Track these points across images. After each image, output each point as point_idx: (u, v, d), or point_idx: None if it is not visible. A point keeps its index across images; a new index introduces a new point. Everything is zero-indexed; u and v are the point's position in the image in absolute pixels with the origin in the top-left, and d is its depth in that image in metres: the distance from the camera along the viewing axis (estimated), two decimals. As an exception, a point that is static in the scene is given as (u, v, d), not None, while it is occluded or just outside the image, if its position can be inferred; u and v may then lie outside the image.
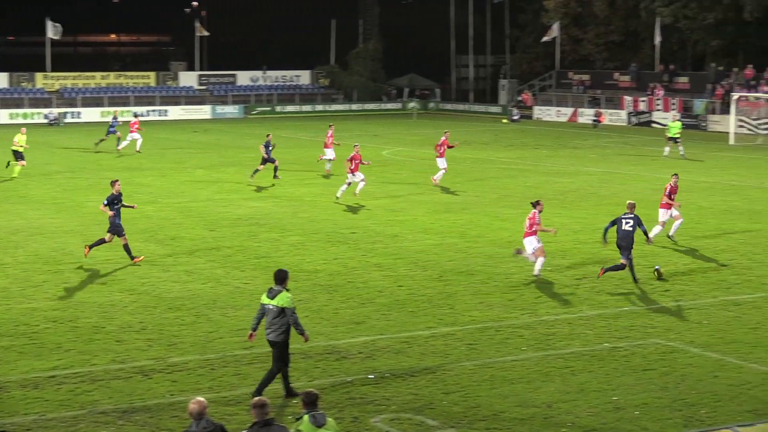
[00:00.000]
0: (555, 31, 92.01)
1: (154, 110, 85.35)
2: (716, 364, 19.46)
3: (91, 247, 28.08)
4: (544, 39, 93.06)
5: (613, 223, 26.13)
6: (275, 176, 44.03)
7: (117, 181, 28.48)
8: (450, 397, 17.88)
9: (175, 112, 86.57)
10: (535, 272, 26.29)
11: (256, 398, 13.05)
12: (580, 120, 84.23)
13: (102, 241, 28.03)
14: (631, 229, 25.65)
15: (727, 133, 67.21)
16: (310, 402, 13.23)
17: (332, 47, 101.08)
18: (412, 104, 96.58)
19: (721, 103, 76.65)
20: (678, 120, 59.54)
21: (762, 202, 39.35)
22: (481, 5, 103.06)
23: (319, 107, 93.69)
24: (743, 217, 35.74)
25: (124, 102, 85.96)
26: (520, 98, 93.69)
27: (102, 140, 57.33)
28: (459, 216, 35.99)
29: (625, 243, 25.67)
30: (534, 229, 26.16)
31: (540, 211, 26.19)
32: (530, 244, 26.30)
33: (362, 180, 39.21)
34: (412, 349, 20.39)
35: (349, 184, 39.10)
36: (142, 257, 28.17)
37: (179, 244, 30.72)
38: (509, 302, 24.09)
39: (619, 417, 17.01)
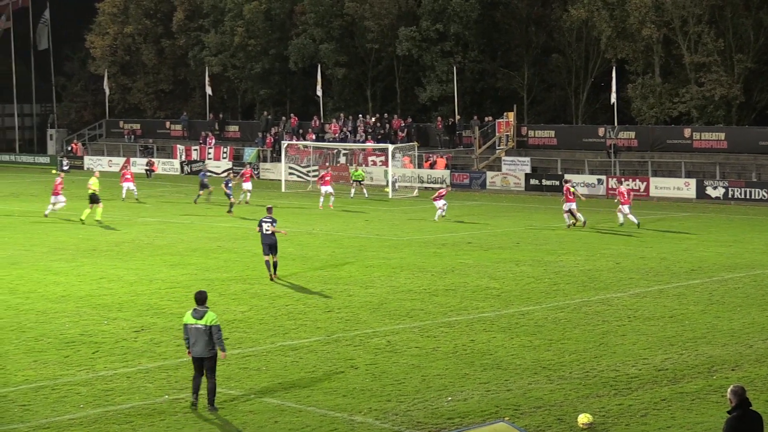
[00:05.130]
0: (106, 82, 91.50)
1: None
2: (276, 410, 19.57)
3: (274, 273, 32.95)
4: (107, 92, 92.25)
5: None
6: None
7: (272, 207, 34.89)
8: (2, 464, 16.89)
9: None
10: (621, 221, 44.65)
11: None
12: (134, 170, 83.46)
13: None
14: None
15: (279, 180, 69.04)
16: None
17: None
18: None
19: (271, 151, 78.69)
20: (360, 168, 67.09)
21: (312, 247, 40.44)
22: (24, 53, 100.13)
23: None
24: (296, 262, 36.56)
25: None
26: (69, 148, 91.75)
27: None
28: (7, 272, 34.41)
29: None
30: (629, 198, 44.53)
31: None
32: (628, 208, 44.25)
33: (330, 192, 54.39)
34: (-41, 416, 19.12)
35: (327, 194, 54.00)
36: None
37: None
38: (65, 359, 23.19)
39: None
